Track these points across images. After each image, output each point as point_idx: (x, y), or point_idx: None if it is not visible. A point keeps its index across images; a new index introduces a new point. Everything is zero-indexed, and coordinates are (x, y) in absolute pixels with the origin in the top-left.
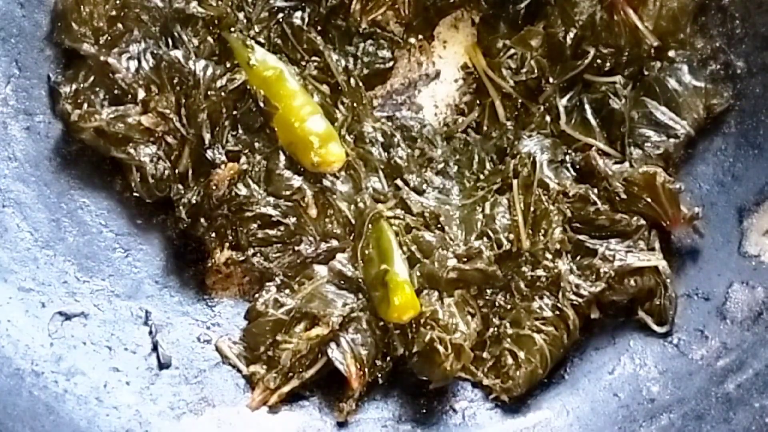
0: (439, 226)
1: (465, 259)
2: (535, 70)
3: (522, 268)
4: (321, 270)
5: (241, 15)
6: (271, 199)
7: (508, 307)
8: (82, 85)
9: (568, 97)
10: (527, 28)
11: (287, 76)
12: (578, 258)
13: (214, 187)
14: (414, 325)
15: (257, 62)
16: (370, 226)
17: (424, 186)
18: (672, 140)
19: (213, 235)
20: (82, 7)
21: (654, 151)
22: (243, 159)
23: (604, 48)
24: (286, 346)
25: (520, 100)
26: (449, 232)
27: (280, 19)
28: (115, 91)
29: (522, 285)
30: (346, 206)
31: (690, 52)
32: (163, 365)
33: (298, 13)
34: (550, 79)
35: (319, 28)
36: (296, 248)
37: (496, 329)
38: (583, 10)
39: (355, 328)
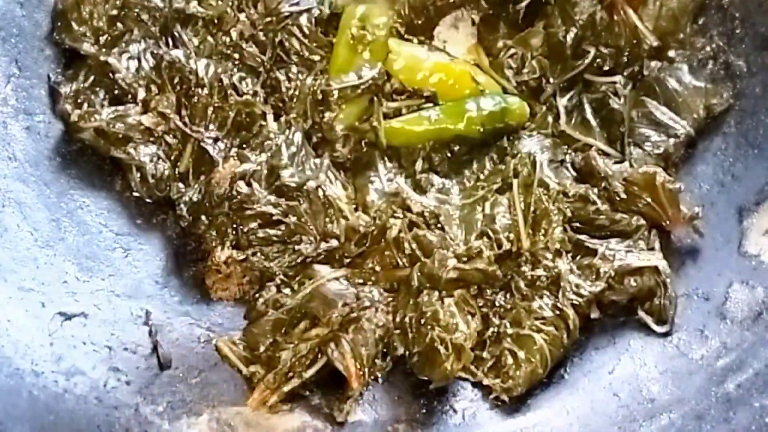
0: (439, 226)
1: (465, 259)
2: (537, 70)
3: (522, 268)
4: (321, 270)
5: (242, 15)
6: (272, 198)
7: (508, 306)
8: (82, 85)
9: (568, 97)
10: (528, 29)
11: None
12: (578, 258)
13: (215, 185)
14: (414, 325)
15: None
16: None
17: (424, 186)
18: (672, 140)
19: (214, 233)
20: (82, 6)
21: (654, 151)
22: (244, 157)
23: (604, 48)
24: (286, 346)
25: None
26: (449, 232)
27: (288, 23)
28: (115, 91)
29: (522, 285)
30: (346, 206)
31: (690, 52)
32: (163, 365)
33: (304, 17)
34: (551, 79)
35: (320, 30)
36: (296, 248)
37: (496, 329)
38: (583, 10)
39: (355, 328)
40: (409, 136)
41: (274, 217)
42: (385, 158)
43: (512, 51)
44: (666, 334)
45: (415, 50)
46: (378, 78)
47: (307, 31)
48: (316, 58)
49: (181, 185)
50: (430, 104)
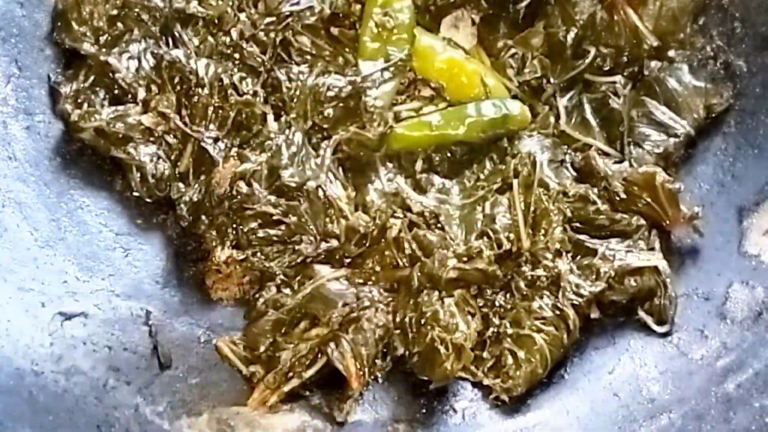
0: (439, 226)
1: (465, 259)
2: (538, 70)
3: (522, 268)
4: (321, 270)
5: (242, 15)
6: (272, 198)
7: (508, 306)
8: (82, 85)
9: (568, 97)
10: (528, 29)
11: None
12: (578, 258)
13: (215, 185)
14: (414, 325)
15: None
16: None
17: (424, 186)
18: (672, 139)
19: (214, 233)
20: (82, 6)
21: (654, 151)
22: (244, 157)
23: (604, 48)
24: (286, 346)
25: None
26: (449, 232)
27: (289, 23)
28: (116, 91)
29: (522, 285)
30: (346, 206)
31: (690, 52)
32: (163, 365)
33: (305, 16)
34: (551, 79)
35: (321, 30)
36: (296, 248)
37: (496, 329)
38: (584, 10)
39: (355, 328)
40: (409, 142)
41: (274, 217)
42: (385, 158)
43: (513, 51)
44: (666, 334)
45: (433, 41)
46: (406, 59)
47: (308, 31)
48: (317, 57)
49: (181, 185)
50: (433, 106)
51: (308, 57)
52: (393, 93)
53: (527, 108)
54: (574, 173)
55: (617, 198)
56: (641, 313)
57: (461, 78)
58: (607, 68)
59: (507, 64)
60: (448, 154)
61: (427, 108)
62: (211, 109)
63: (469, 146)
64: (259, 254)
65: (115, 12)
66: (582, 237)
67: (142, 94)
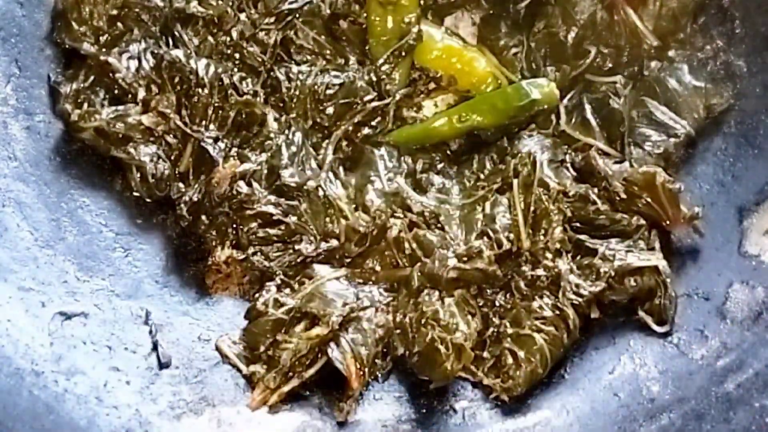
0: (439, 226)
1: (465, 259)
2: (541, 66)
3: (522, 268)
4: (321, 270)
5: (242, 15)
6: (272, 198)
7: (508, 306)
8: (82, 85)
9: (568, 97)
10: (529, 29)
11: None
12: (578, 258)
13: (215, 185)
14: (414, 325)
15: None
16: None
17: (424, 186)
18: (672, 140)
19: (214, 233)
20: (82, 6)
21: (654, 150)
22: (245, 156)
23: (604, 48)
24: (286, 345)
25: None
26: (449, 232)
27: (289, 22)
28: (116, 91)
29: (522, 285)
30: (346, 206)
31: (690, 52)
32: (163, 365)
33: (304, 15)
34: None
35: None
36: (296, 247)
37: (496, 329)
38: (584, 9)
39: (355, 328)
40: (435, 135)
41: (274, 217)
42: (385, 158)
43: (515, 50)
44: (666, 334)
45: (430, 29)
46: (416, 39)
47: (307, 29)
48: (318, 55)
49: (181, 185)
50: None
51: (308, 57)
52: (406, 76)
53: (554, 84)
54: (574, 173)
55: (617, 198)
56: (641, 313)
57: (459, 66)
58: (607, 68)
59: (512, 60)
60: (449, 153)
61: (439, 96)
62: (211, 109)
63: (469, 143)
64: (259, 254)
65: (115, 12)
66: (582, 237)
67: (142, 94)
